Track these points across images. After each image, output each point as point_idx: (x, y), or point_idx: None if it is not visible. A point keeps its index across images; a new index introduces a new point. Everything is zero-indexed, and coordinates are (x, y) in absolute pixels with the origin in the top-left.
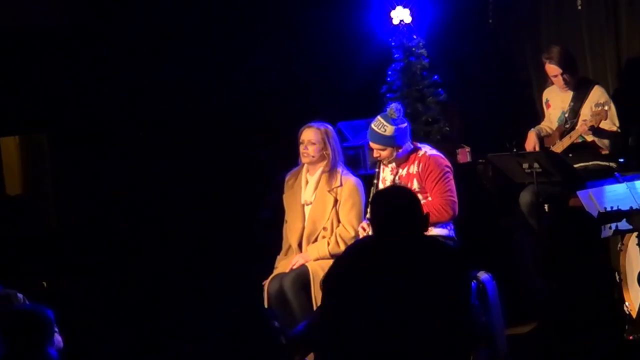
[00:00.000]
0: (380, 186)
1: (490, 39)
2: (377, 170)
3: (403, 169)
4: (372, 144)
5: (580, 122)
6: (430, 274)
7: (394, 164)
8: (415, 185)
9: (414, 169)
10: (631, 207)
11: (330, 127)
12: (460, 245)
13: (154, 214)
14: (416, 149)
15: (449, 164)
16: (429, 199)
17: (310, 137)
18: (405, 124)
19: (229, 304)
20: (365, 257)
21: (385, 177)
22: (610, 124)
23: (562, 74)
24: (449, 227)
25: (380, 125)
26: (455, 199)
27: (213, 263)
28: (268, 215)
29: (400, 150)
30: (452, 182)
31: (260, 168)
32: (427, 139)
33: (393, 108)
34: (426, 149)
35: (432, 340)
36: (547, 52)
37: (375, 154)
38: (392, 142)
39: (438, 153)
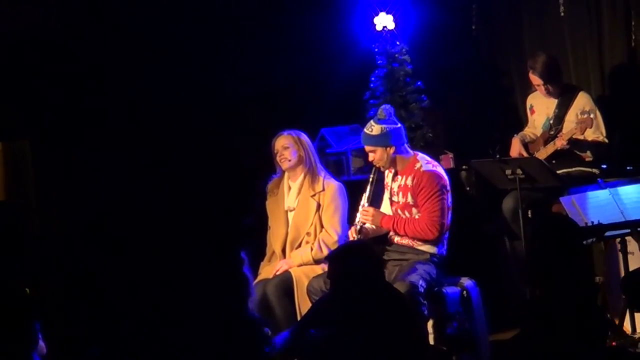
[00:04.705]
0: (386, 194)
1: (473, 45)
2: (371, 176)
3: (402, 176)
4: (365, 148)
5: (558, 137)
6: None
7: (392, 171)
8: (409, 199)
9: (409, 182)
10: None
11: (300, 132)
12: (445, 261)
13: (138, 220)
14: (415, 159)
15: (445, 182)
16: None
17: (282, 143)
18: (398, 125)
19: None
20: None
21: (388, 183)
22: (598, 132)
23: (543, 84)
24: (440, 245)
25: (369, 126)
26: (443, 220)
27: (197, 269)
28: (251, 222)
29: (392, 152)
30: (444, 202)
31: (244, 174)
32: (410, 145)
33: (382, 109)
34: (422, 163)
35: None
36: (532, 60)
37: (370, 158)
38: (379, 141)
39: (434, 169)
